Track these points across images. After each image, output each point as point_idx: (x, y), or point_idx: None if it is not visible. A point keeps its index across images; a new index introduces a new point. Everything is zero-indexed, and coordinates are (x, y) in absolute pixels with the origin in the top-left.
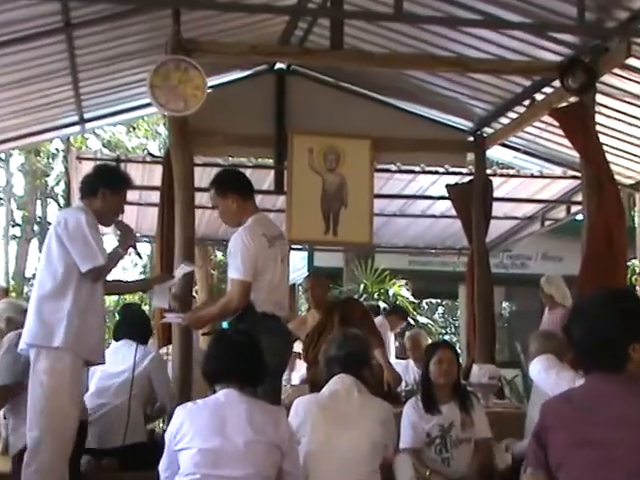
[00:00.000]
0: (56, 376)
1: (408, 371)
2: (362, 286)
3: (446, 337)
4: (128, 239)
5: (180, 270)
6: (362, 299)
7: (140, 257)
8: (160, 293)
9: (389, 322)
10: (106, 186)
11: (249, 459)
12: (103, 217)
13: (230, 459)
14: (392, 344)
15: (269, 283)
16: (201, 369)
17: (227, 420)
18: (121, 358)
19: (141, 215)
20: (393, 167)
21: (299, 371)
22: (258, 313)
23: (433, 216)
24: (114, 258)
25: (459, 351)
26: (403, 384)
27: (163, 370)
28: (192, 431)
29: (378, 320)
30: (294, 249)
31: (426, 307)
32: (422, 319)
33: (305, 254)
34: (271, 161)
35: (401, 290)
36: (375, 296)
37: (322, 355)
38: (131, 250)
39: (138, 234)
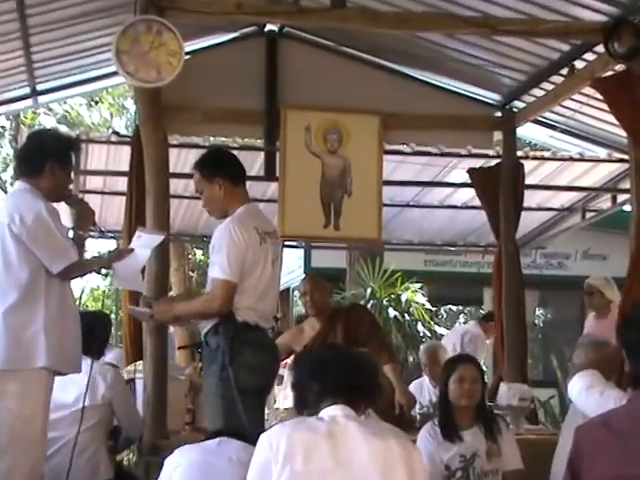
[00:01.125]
0: (29, 401)
1: (423, 391)
2: (369, 290)
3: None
4: (86, 217)
5: (137, 239)
6: (369, 306)
7: (105, 236)
8: (124, 270)
9: (487, 330)
10: (54, 159)
11: None
12: (52, 196)
13: None
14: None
15: (255, 288)
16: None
17: None
18: (70, 380)
19: (105, 206)
20: (406, 148)
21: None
22: (238, 323)
23: (454, 207)
24: (80, 246)
25: (484, 367)
26: (417, 406)
27: (124, 392)
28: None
29: (471, 328)
30: (288, 246)
31: (445, 315)
32: (440, 329)
33: (301, 253)
34: (260, 142)
35: (415, 295)
36: (384, 302)
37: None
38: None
39: (103, 228)
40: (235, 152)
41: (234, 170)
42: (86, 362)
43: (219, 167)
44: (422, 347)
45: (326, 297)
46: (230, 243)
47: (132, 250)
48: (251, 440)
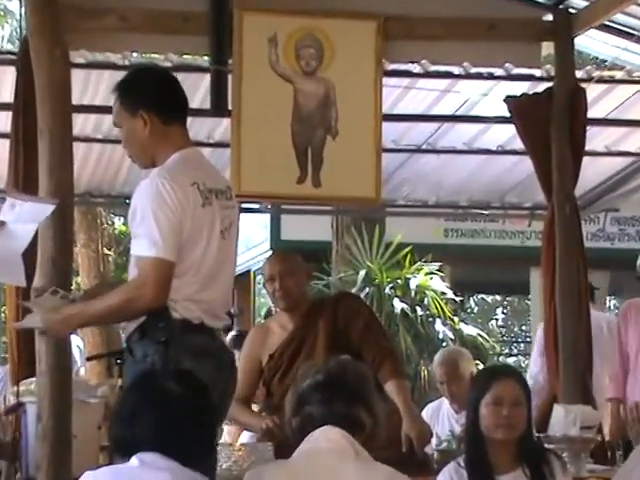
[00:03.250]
0: None
1: (442, 418)
2: (363, 273)
3: (509, 360)
4: None
5: (11, 209)
6: (365, 295)
7: None
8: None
9: None
10: None
11: None
12: None
13: None
14: None
15: (197, 270)
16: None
17: None
18: None
19: None
20: (416, 68)
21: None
22: (175, 321)
23: (485, 151)
24: None
25: (530, 383)
26: (434, 441)
27: None
28: None
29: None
30: (247, 211)
31: (475, 308)
32: (467, 328)
33: (267, 220)
34: (205, 59)
35: (431, 280)
36: (387, 290)
37: (291, 396)
38: None
39: None
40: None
41: (167, 100)
42: None
43: (144, 94)
44: (438, 356)
45: (302, 283)
46: (158, 205)
47: (3, 224)
48: None
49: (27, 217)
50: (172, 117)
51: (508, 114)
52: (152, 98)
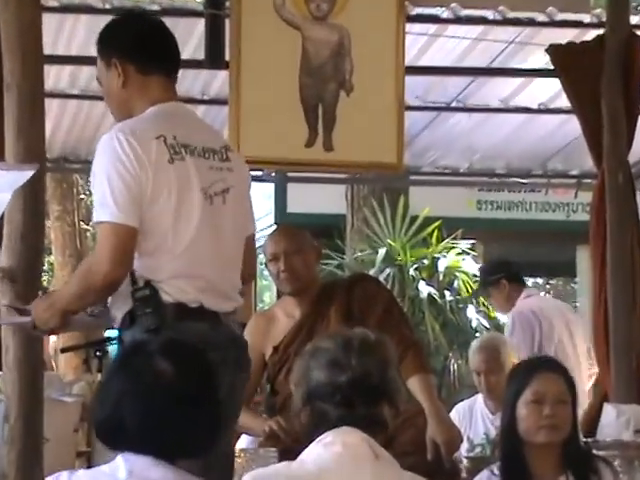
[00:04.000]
0: None
1: (475, 420)
2: (384, 252)
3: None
4: None
5: None
6: (384, 278)
7: None
8: None
9: None
10: None
11: None
12: None
13: None
14: None
15: (176, 239)
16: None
17: None
18: None
19: None
20: (444, 12)
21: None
22: (166, 306)
23: (525, 110)
24: None
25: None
26: (465, 446)
27: None
28: None
29: None
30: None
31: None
32: (504, 316)
33: (270, 189)
34: (198, 2)
35: (463, 260)
36: (411, 272)
37: (297, 386)
38: None
39: None
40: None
41: (144, 47)
42: None
43: (118, 41)
44: (475, 342)
45: (311, 263)
46: (112, 163)
47: None
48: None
49: (3, 186)
50: (151, 66)
51: (551, 66)
52: (126, 45)
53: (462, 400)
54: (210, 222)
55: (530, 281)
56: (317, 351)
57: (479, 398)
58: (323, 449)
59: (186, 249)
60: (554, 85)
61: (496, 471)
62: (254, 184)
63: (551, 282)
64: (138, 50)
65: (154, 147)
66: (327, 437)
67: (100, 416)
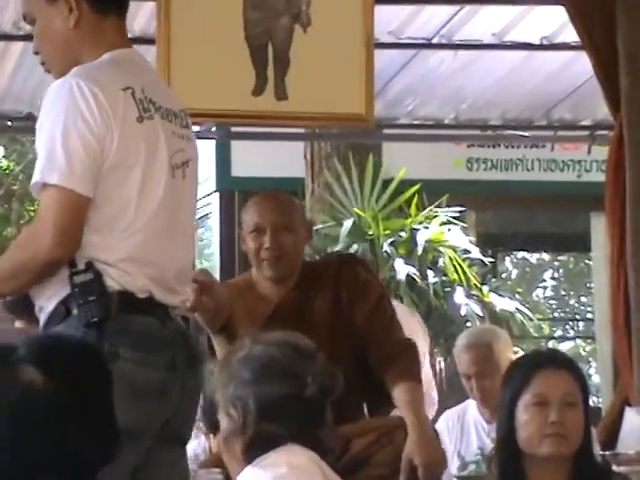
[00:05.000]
0: None
1: (466, 431)
2: (350, 223)
3: (563, 346)
4: None
5: None
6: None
7: None
8: None
9: None
10: None
11: None
12: None
13: None
14: None
15: (135, 212)
16: None
17: None
18: None
19: None
20: None
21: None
22: (112, 294)
23: (524, 46)
24: None
25: (588, 377)
26: (456, 462)
27: None
28: None
29: None
30: None
31: (512, 272)
32: (502, 301)
33: (209, 150)
34: None
35: (449, 233)
36: (385, 247)
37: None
38: None
39: None
40: None
41: None
42: None
43: None
44: (462, 338)
45: (301, 243)
46: (69, 114)
47: None
48: None
49: None
50: (108, 5)
51: None
52: None
53: (451, 407)
54: (171, 199)
55: (534, 257)
56: (256, 360)
57: (471, 404)
58: (264, 472)
59: (143, 227)
60: (560, 15)
61: None
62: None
63: (560, 258)
64: None
65: (121, 100)
66: (268, 458)
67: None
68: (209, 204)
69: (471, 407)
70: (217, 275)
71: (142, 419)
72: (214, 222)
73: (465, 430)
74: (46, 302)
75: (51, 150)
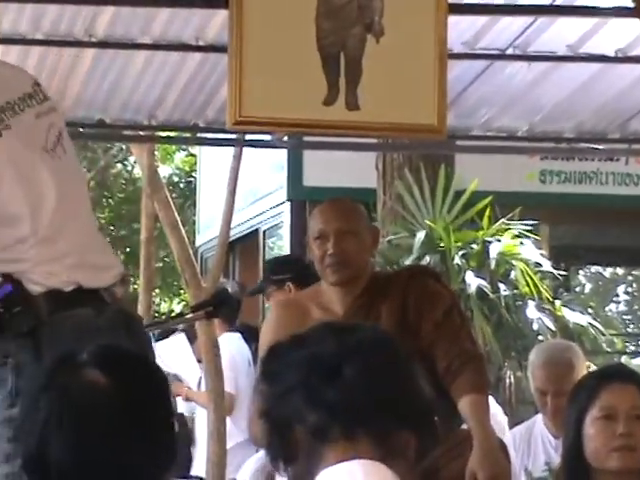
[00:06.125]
0: None
1: (533, 446)
2: (422, 235)
3: (636, 361)
4: None
5: None
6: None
7: None
8: None
9: None
10: None
11: None
12: None
13: None
14: None
15: (35, 218)
16: None
17: None
18: None
19: None
20: None
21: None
22: (37, 298)
23: (599, 58)
24: None
25: None
26: (523, 478)
27: None
28: None
29: None
30: (251, 145)
31: (586, 286)
32: (574, 316)
33: (281, 159)
34: None
35: (521, 246)
36: (457, 260)
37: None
38: None
39: None
40: None
41: None
42: None
43: None
44: (538, 353)
45: (366, 249)
46: None
47: None
48: None
49: None
50: None
51: (631, 3)
52: None
53: (521, 422)
54: (59, 182)
55: (608, 271)
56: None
57: (538, 419)
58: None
59: (48, 227)
60: (635, 27)
61: None
62: (261, 152)
63: (634, 272)
64: None
65: None
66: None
67: (24, 456)
68: (281, 214)
69: (538, 422)
70: None
71: None
72: (285, 231)
73: (532, 445)
74: None
75: None
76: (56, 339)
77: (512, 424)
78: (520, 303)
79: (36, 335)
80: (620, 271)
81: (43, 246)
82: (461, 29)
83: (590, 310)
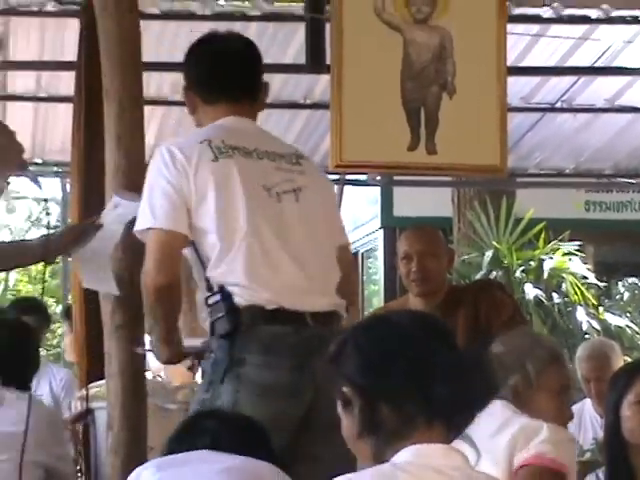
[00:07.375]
0: None
1: (584, 424)
2: (490, 254)
3: None
4: (6, 157)
5: (112, 208)
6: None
7: (39, 186)
8: (91, 262)
9: None
10: None
11: None
12: None
13: None
14: None
15: (242, 235)
16: None
17: None
18: None
19: (41, 122)
20: (547, 12)
21: None
22: (240, 310)
23: (632, 109)
24: None
25: None
26: (576, 451)
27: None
28: None
29: None
30: (352, 184)
31: (624, 295)
32: (614, 319)
33: (375, 194)
34: (299, 5)
35: (570, 262)
36: (517, 273)
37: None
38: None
39: (37, 160)
40: (255, 25)
41: (209, 80)
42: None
43: (186, 71)
44: (583, 348)
45: (444, 267)
46: (154, 175)
47: (101, 227)
48: None
49: (121, 216)
50: (217, 96)
51: None
52: (192, 76)
53: (573, 404)
54: (277, 219)
55: None
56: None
57: (588, 402)
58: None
59: (238, 251)
60: None
61: (601, 475)
62: (358, 189)
63: None
64: (201, 81)
65: (196, 150)
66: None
67: None
68: (376, 239)
69: (587, 405)
70: (382, 296)
71: (267, 417)
72: (379, 254)
73: (583, 423)
74: (204, 324)
75: (143, 205)
76: (247, 345)
77: None
78: (570, 309)
79: (231, 339)
80: None
81: (237, 266)
82: (519, 87)
83: (628, 314)
